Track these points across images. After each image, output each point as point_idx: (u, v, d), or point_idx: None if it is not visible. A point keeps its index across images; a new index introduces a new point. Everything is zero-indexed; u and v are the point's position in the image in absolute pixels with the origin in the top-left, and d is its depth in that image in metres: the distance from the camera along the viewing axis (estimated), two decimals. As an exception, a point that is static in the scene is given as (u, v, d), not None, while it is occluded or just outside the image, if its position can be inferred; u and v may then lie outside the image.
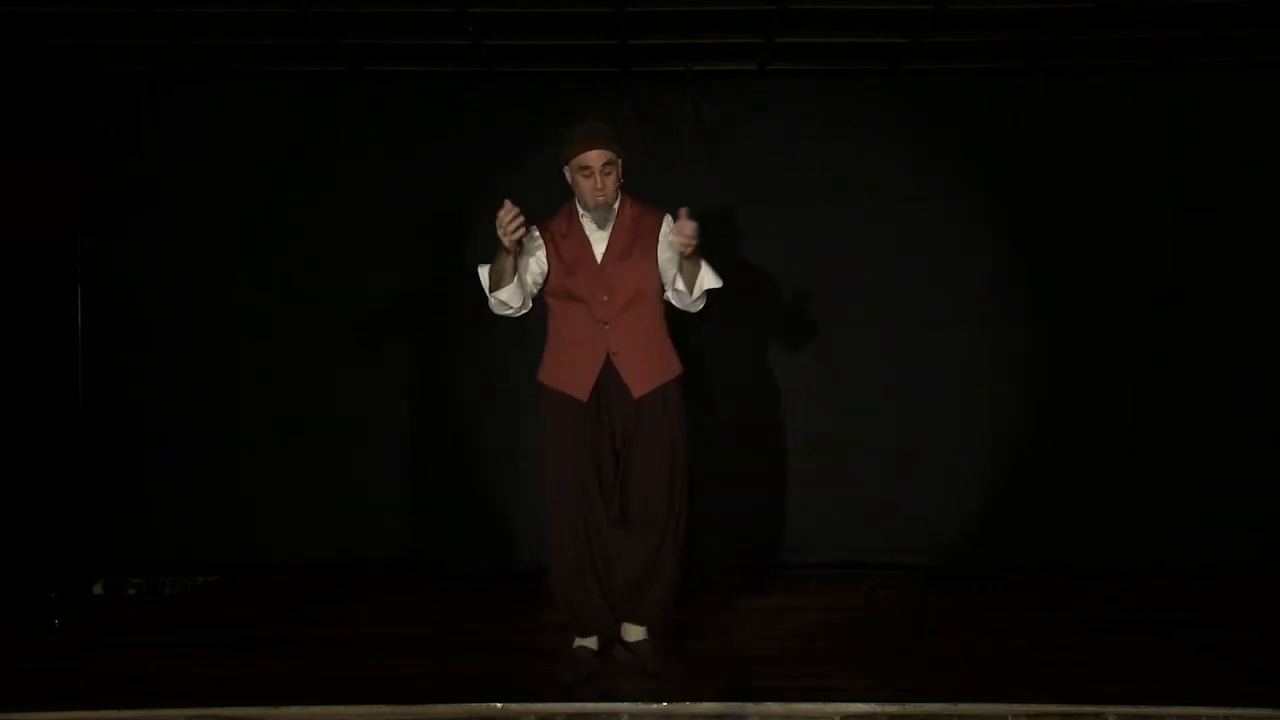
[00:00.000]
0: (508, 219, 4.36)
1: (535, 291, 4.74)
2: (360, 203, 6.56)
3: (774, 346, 6.58)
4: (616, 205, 4.68)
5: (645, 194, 4.89)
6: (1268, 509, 6.38)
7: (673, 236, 4.46)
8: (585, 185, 4.60)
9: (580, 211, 4.69)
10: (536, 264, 4.67)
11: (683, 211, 4.41)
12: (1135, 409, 6.47)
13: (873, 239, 6.55)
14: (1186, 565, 6.36)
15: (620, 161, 4.64)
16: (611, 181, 4.61)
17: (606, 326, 4.61)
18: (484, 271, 4.67)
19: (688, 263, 4.54)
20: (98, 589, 6.43)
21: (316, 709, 4.22)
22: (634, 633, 4.74)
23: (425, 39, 6.03)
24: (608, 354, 4.61)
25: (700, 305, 4.71)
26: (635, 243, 4.66)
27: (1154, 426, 6.46)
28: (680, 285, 4.62)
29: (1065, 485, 6.49)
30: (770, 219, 6.54)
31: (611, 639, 4.79)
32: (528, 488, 6.39)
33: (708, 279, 4.61)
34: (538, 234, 4.69)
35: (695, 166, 6.45)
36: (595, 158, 4.57)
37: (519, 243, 4.47)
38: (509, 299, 4.64)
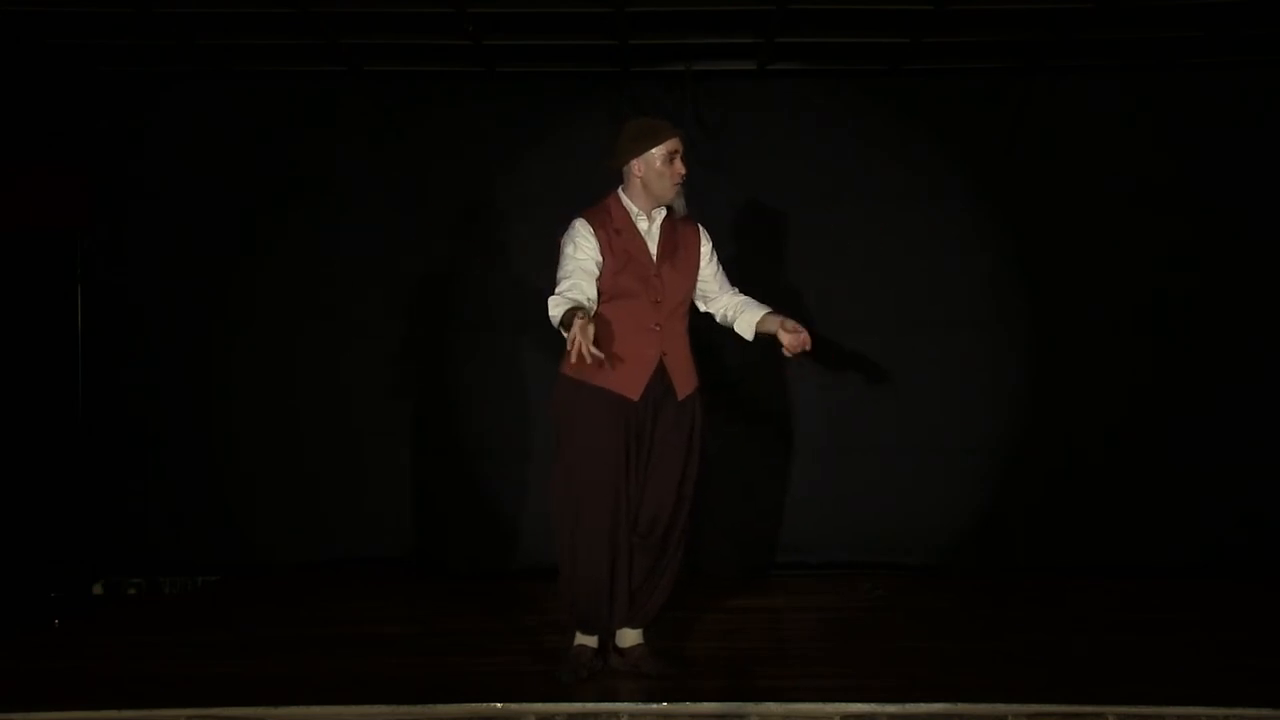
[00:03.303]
0: (586, 350, 4.10)
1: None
2: (360, 202, 6.56)
3: (773, 347, 6.56)
4: (667, 204, 4.58)
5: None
6: (1267, 509, 6.39)
7: (789, 339, 4.56)
8: (669, 171, 4.50)
9: (633, 210, 4.55)
10: (595, 264, 4.43)
11: (802, 339, 4.56)
12: (1136, 409, 6.47)
13: (872, 238, 6.55)
14: (1185, 565, 6.36)
15: None
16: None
17: (659, 328, 4.50)
18: (555, 312, 4.31)
19: (769, 324, 4.64)
20: (98, 589, 6.44)
21: (316, 709, 4.22)
22: (629, 637, 4.70)
23: (425, 39, 6.03)
24: (661, 355, 4.51)
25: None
26: (679, 247, 4.61)
27: (1154, 427, 6.46)
28: (740, 328, 4.72)
29: (1064, 485, 6.49)
30: (770, 219, 6.54)
31: (609, 643, 4.76)
32: (528, 488, 6.40)
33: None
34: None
35: (695, 166, 6.43)
36: (679, 144, 4.55)
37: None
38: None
